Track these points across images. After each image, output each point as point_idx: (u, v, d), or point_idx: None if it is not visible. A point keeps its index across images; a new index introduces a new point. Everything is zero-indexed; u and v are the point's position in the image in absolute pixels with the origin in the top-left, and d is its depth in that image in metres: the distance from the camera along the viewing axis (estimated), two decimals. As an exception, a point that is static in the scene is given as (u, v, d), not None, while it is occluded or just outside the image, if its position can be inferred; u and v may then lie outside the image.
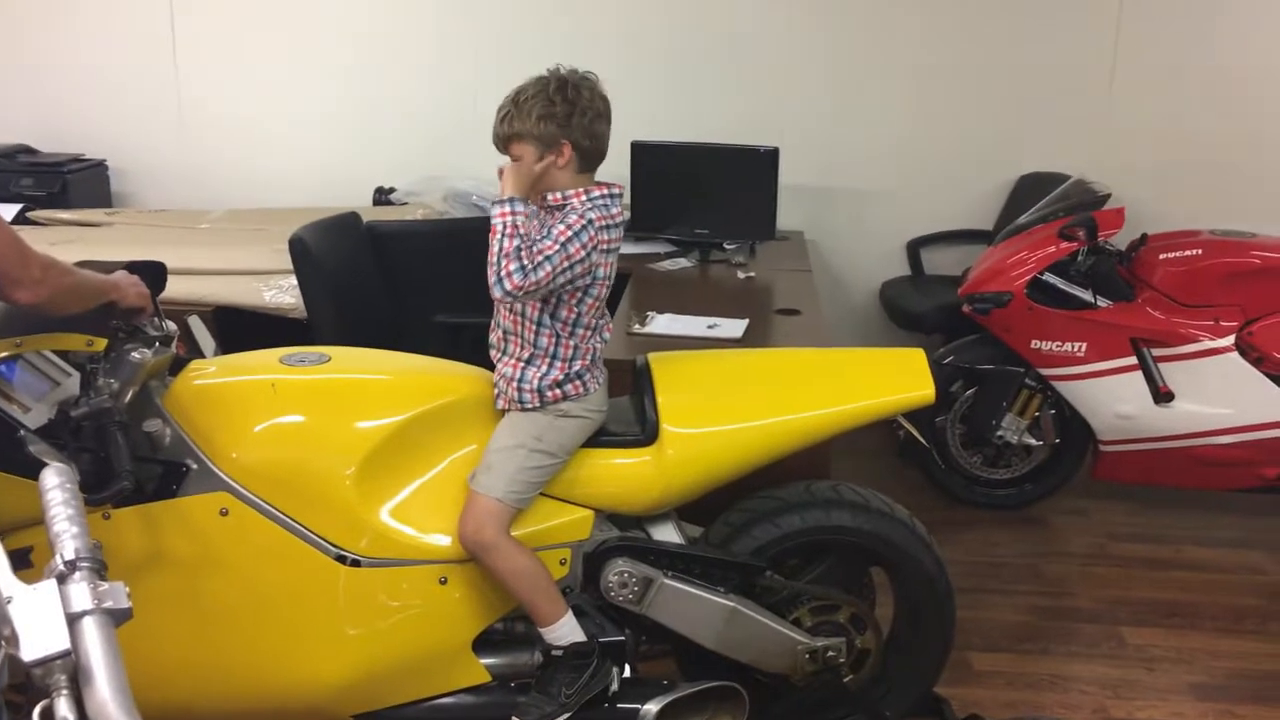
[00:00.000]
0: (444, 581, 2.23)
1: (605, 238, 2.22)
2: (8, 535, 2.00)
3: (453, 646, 2.26)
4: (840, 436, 2.45)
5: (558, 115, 2.19)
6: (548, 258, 2.12)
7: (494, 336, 2.34)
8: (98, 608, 0.94)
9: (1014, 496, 4.01)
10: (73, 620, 0.93)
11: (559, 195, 2.24)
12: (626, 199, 2.40)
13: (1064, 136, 4.65)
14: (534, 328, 2.25)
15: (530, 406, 2.26)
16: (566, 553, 2.30)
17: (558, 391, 2.26)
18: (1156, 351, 3.64)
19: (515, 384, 2.26)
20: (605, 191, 2.26)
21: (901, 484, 3.85)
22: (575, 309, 2.25)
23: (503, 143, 2.24)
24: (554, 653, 2.24)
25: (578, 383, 2.28)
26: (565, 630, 2.24)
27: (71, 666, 0.91)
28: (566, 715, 2.21)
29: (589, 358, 2.31)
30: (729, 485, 2.39)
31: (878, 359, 2.59)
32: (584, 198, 2.23)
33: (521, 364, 2.27)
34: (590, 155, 2.24)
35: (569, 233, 2.16)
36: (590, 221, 2.18)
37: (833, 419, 2.36)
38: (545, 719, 2.21)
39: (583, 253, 2.16)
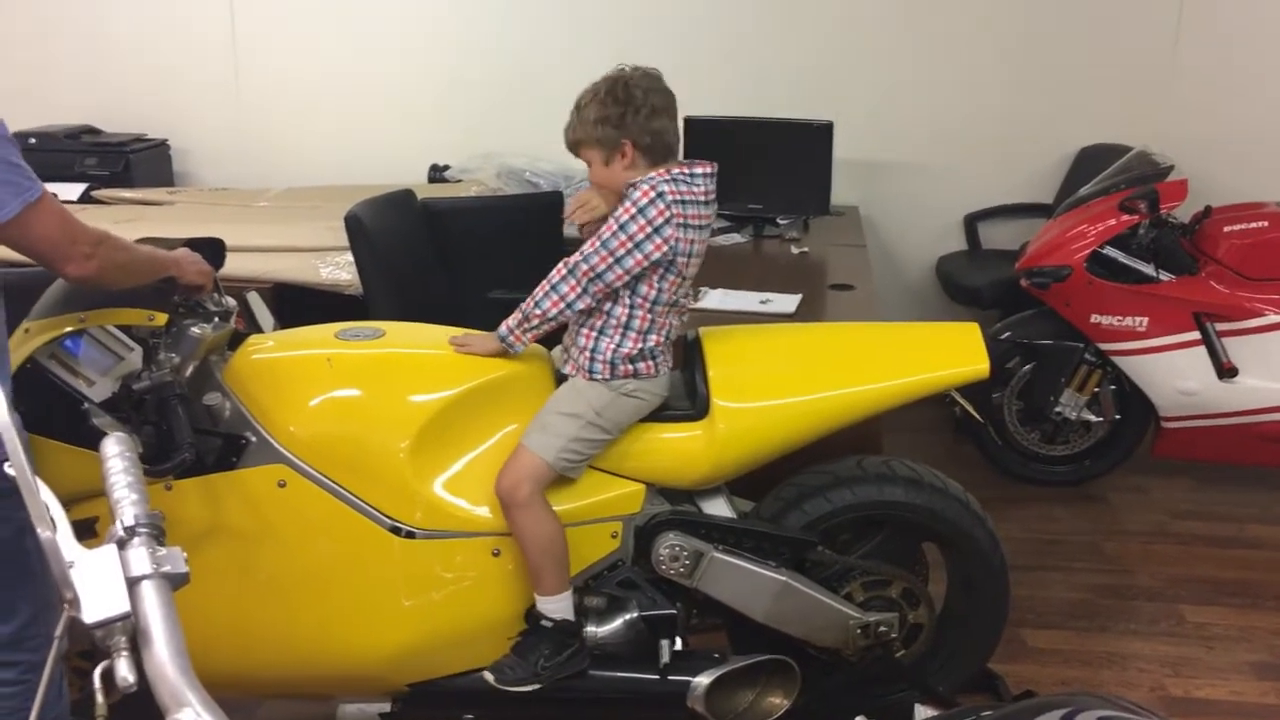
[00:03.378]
0: (497, 554, 2.25)
1: (682, 211, 2.19)
2: (74, 506, 2.06)
3: (506, 617, 2.29)
4: (896, 413, 2.44)
5: (611, 118, 2.20)
6: (605, 243, 2.16)
7: None
8: (156, 572, 0.96)
9: (1073, 473, 3.96)
10: (132, 584, 0.95)
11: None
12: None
13: (1126, 108, 4.56)
14: (611, 299, 2.26)
15: (599, 377, 2.26)
16: (618, 526, 2.32)
17: (629, 367, 2.26)
18: (1220, 326, 3.57)
19: (588, 353, 2.27)
20: (687, 170, 2.23)
21: (958, 461, 3.82)
22: (656, 285, 2.24)
23: (572, 149, 2.29)
24: (544, 623, 2.24)
25: (650, 363, 2.28)
26: (561, 606, 2.25)
27: (131, 629, 0.93)
28: (536, 686, 2.23)
29: (664, 334, 2.30)
30: (780, 460, 2.39)
31: (932, 333, 2.57)
32: (666, 175, 2.21)
33: (595, 333, 2.27)
34: (655, 150, 2.24)
35: (632, 209, 2.17)
36: (661, 194, 2.17)
37: (885, 394, 2.34)
38: (517, 683, 2.23)
39: (648, 229, 2.16)
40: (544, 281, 2.25)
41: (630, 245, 2.17)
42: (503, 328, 2.28)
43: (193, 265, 2.17)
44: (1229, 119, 4.50)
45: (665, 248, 2.18)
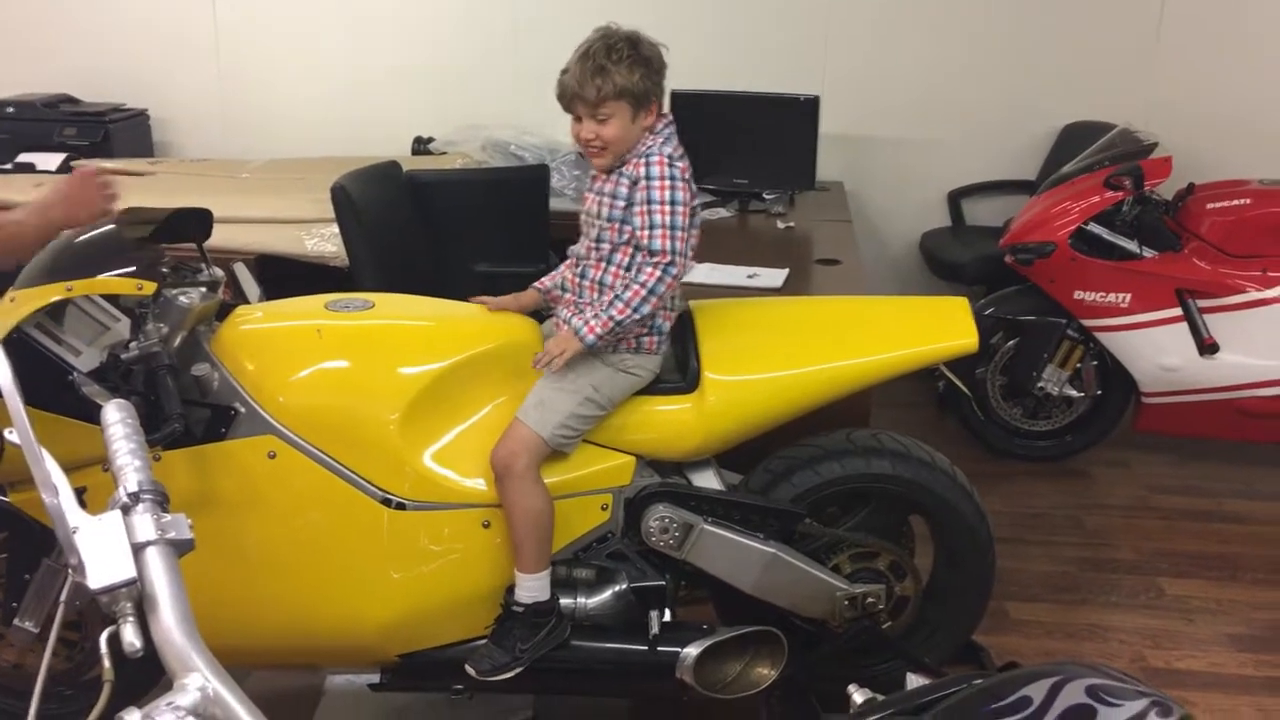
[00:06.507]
0: (487, 525, 2.25)
1: (684, 164, 2.23)
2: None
3: (495, 589, 2.28)
4: (880, 388, 2.45)
5: (650, 73, 2.19)
6: (670, 227, 2.16)
7: (566, 280, 2.35)
8: (161, 538, 0.96)
9: (1055, 448, 3.99)
10: (137, 550, 0.95)
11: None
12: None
13: (1109, 85, 4.57)
14: (622, 275, 2.24)
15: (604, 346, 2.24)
16: (608, 498, 2.32)
17: (633, 342, 2.26)
18: (1201, 302, 3.60)
19: None
20: (664, 123, 2.25)
21: (941, 435, 3.83)
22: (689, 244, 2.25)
23: (595, 104, 2.16)
24: (515, 608, 2.24)
25: (655, 338, 2.28)
26: (537, 585, 2.23)
27: (136, 594, 0.93)
28: (519, 670, 2.23)
29: (670, 304, 2.29)
30: (769, 433, 2.40)
31: (921, 307, 2.57)
32: (659, 138, 2.22)
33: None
34: (661, 109, 2.26)
35: (667, 183, 2.17)
36: (670, 157, 2.19)
37: (875, 366, 2.35)
38: (498, 670, 2.23)
39: (688, 190, 2.19)
40: (635, 286, 2.16)
41: (687, 209, 2.18)
42: (589, 335, 2.16)
43: (77, 195, 2.12)
44: (1212, 97, 4.52)
45: (695, 200, 2.23)
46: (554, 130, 4.46)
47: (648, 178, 2.18)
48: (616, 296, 2.17)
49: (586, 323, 2.17)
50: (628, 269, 2.23)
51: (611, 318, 2.16)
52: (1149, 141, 3.79)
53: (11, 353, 1.98)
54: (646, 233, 2.17)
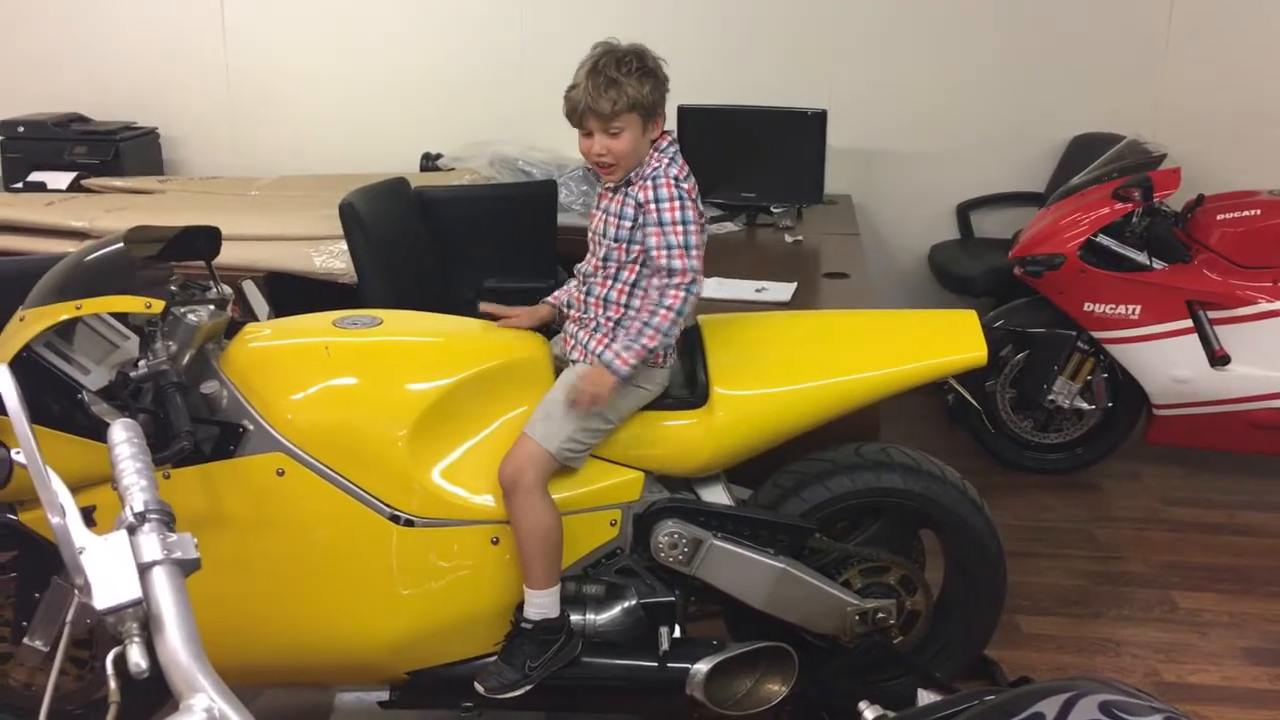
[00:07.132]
0: (496, 542, 2.25)
1: (690, 185, 2.22)
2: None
3: (504, 606, 2.28)
4: (889, 401, 2.44)
5: (658, 84, 2.19)
6: (686, 246, 2.16)
7: (572, 297, 2.35)
8: (168, 558, 0.96)
9: (1065, 461, 3.98)
10: (143, 570, 0.95)
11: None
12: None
13: (1118, 97, 4.56)
14: (629, 291, 2.25)
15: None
16: (617, 514, 2.31)
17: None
18: (1212, 314, 3.59)
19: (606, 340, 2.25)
20: (668, 140, 2.25)
21: (951, 448, 3.82)
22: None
23: (609, 117, 2.15)
24: (524, 625, 2.23)
25: (662, 352, 2.26)
26: (547, 601, 2.22)
27: (143, 615, 0.93)
28: (528, 688, 2.21)
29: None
30: (778, 447, 2.39)
31: (929, 320, 2.57)
32: (664, 157, 2.22)
33: (611, 323, 2.26)
34: (663, 125, 2.26)
35: (676, 203, 2.17)
36: (676, 179, 2.19)
37: (884, 380, 2.35)
38: (506, 688, 2.22)
39: (695, 209, 2.20)
40: (663, 311, 2.16)
41: (698, 226, 2.19)
42: (623, 367, 2.14)
43: None
44: (1221, 108, 4.50)
45: (703, 219, 2.24)
46: (562, 146, 4.48)
47: (656, 200, 2.17)
48: (645, 324, 2.16)
49: (618, 355, 2.15)
50: (634, 285, 2.23)
51: (644, 346, 2.16)
52: (1158, 153, 3.79)
53: (21, 371, 2.01)
54: (664, 253, 2.17)
